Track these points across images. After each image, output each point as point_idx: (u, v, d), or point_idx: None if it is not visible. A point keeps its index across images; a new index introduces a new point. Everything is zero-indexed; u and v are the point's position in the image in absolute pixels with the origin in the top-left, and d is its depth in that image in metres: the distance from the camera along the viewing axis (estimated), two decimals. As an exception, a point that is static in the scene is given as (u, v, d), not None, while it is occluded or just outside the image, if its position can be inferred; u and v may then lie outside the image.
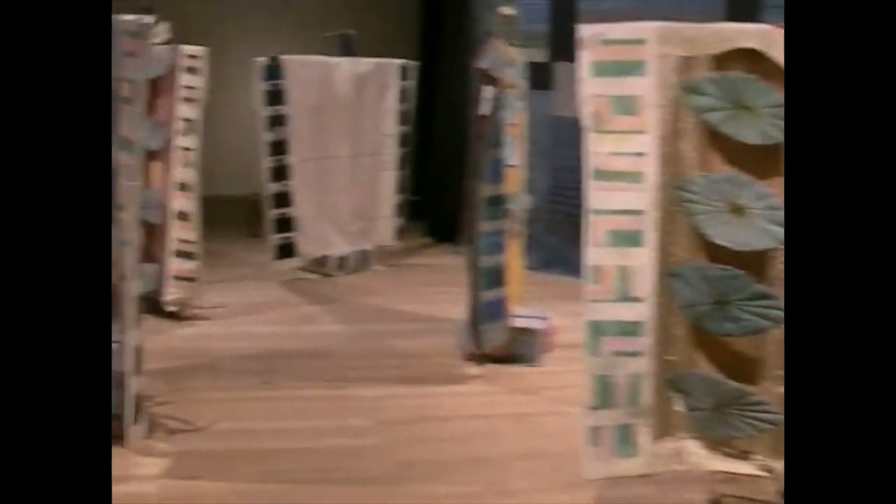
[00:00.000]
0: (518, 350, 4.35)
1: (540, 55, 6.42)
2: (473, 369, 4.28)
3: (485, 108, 4.18)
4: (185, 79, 4.71)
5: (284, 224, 5.80)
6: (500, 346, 4.31)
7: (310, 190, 5.88)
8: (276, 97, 5.65)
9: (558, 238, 6.37)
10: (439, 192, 7.77)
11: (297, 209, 5.82)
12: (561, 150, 6.41)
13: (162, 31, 4.41)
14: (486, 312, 4.22)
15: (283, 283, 5.84)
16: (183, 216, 4.77)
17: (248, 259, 6.28)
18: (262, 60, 5.60)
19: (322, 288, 5.87)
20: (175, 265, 4.76)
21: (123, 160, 2.61)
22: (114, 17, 2.64)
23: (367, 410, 3.71)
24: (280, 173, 5.72)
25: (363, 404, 3.78)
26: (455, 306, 5.33)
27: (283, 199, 5.77)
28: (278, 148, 5.69)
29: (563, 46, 6.20)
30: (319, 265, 6.19)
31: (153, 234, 4.64)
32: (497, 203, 4.19)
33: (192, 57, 4.75)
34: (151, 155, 4.53)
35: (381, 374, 4.15)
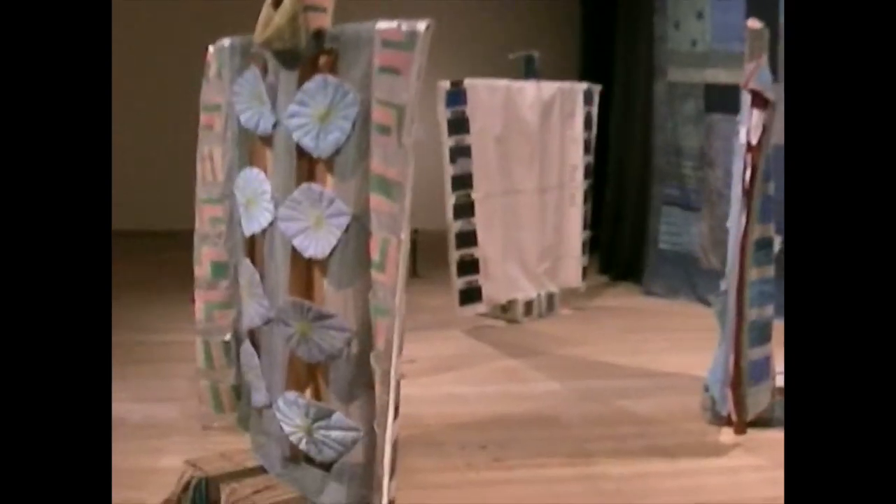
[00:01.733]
0: (780, 413, 3.66)
1: (736, 76, 5.76)
2: (728, 437, 3.62)
3: (755, 135, 3.53)
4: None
5: (467, 266, 5.28)
6: (764, 410, 3.64)
7: (495, 228, 5.32)
8: (458, 125, 5.15)
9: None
10: (615, 225, 7.13)
11: (481, 249, 5.28)
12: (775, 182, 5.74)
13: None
14: (751, 372, 3.56)
15: (468, 332, 5.28)
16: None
17: (422, 303, 5.73)
18: (444, 84, 5.08)
19: (512, 336, 5.28)
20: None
21: (384, 207, 2.09)
22: (369, 23, 2.13)
23: (623, 494, 3.08)
24: (463, 210, 5.20)
25: (614, 485, 3.14)
26: (672, 357, 4.71)
27: (466, 238, 5.25)
28: (461, 182, 5.18)
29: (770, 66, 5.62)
30: (504, 310, 5.61)
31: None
32: (765, 246, 3.54)
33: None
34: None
35: (624, 446, 3.51)
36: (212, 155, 2.76)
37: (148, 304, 5.69)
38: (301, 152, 2.32)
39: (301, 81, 2.30)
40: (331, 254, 2.24)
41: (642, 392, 4.15)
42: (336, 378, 2.28)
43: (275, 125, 2.40)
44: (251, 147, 2.60)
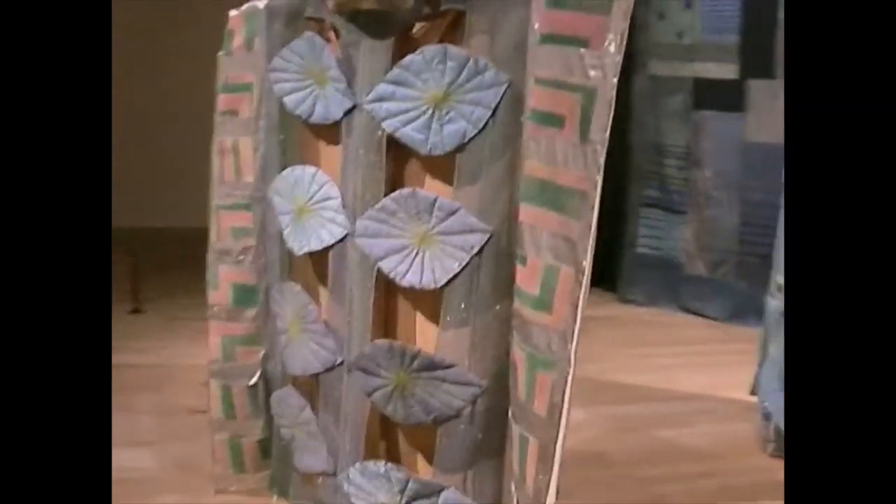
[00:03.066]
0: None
1: (728, 71, 5.45)
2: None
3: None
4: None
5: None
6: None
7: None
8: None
9: (748, 284, 5.38)
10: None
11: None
12: (753, 181, 5.46)
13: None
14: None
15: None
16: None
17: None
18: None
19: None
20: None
21: (549, 223, 1.52)
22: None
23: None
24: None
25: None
26: (687, 375, 4.32)
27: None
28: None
29: (759, 61, 5.34)
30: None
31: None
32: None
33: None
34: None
35: (696, 488, 3.04)
36: (236, 147, 2.15)
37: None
38: (395, 147, 1.76)
39: (399, 53, 1.73)
40: (448, 282, 1.68)
41: (680, 419, 3.70)
42: (448, 445, 1.72)
43: (348, 111, 1.83)
44: (300, 138, 2.01)
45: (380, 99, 1.74)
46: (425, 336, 1.78)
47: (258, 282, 2.15)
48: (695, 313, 5.57)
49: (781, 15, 5.08)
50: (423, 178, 1.77)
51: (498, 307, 1.64)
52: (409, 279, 1.72)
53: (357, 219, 1.81)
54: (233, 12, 2.18)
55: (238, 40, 2.14)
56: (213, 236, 2.22)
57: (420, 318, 1.81)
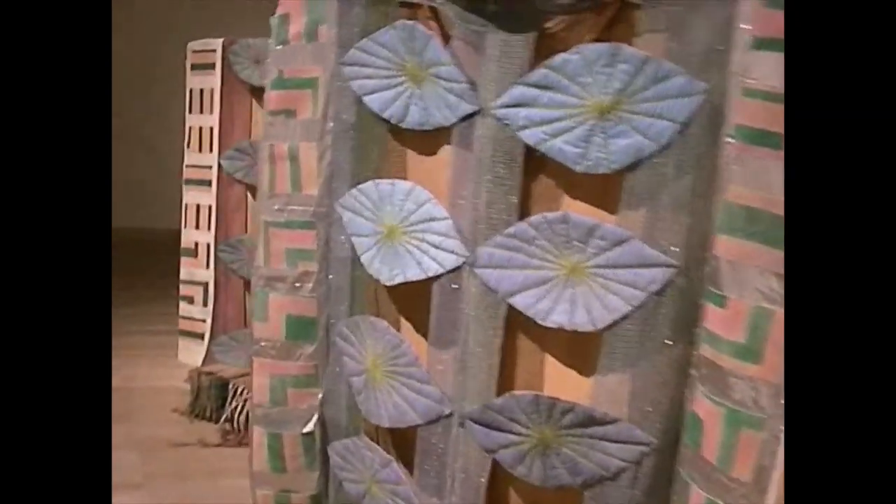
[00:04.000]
0: None
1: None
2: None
3: None
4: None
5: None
6: None
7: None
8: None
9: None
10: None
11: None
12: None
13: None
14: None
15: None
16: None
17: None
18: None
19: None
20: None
21: (761, 258, 1.25)
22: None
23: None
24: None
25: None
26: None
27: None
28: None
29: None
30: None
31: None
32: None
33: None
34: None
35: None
36: (294, 154, 1.82)
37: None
38: (535, 162, 1.47)
39: (543, 51, 1.44)
40: (613, 323, 1.41)
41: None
42: (603, 514, 1.45)
43: (466, 116, 1.53)
44: (385, 146, 1.70)
45: (516, 104, 1.45)
46: (580, 386, 1.51)
47: (319, 314, 1.82)
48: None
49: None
50: (560, 198, 1.50)
51: (673, 353, 1.39)
52: (556, 319, 1.44)
53: (478, 245, 1.52)
54: (288, -6, 1.84)
55: (296, 28, 1.80)
56: (259, 259, 1.88)
57: (551, 363, 1.54)
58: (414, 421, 1.63)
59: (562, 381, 1.51)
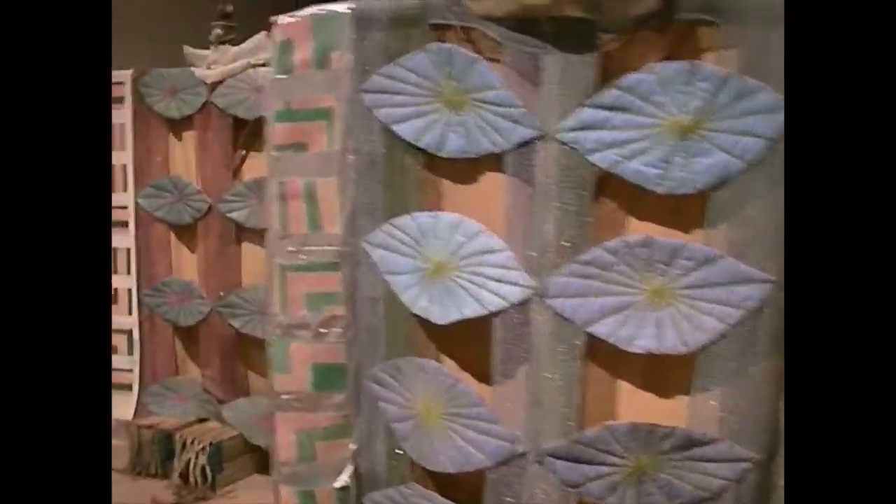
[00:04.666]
0: None
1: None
2: None
3: None
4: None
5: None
6: None
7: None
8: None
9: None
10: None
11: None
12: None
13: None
14: None
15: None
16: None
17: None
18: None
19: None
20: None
21: None
22: None
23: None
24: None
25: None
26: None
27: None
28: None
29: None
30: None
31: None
32: None
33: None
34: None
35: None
36: (312, 191, 1.69)
37: None
38: (608, 187, 1.42)
39: (608, 72, 1.40)
40: (707, 343, 1.37)
41: None
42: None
43: (525, 143, 1.46)
44: (417, 177, 1.61)
45: (583, 127, 1.40)
46: (633, 408, 1.47)
47: (349, 360, 1.71)
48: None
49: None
50: (625, 221, 1.46)
51: (770, 366, 1.37)
52: (643, 344, 1.39)
53: (546, 275, 1.45)
54: (284, 18, 1.71)
55: (302, 54, 1.69)
56: (276, 306, 1.74)
57: (625, 388, 1.50)
58: (482, 463, 1.55)
59: (637, 406, 1.47)
